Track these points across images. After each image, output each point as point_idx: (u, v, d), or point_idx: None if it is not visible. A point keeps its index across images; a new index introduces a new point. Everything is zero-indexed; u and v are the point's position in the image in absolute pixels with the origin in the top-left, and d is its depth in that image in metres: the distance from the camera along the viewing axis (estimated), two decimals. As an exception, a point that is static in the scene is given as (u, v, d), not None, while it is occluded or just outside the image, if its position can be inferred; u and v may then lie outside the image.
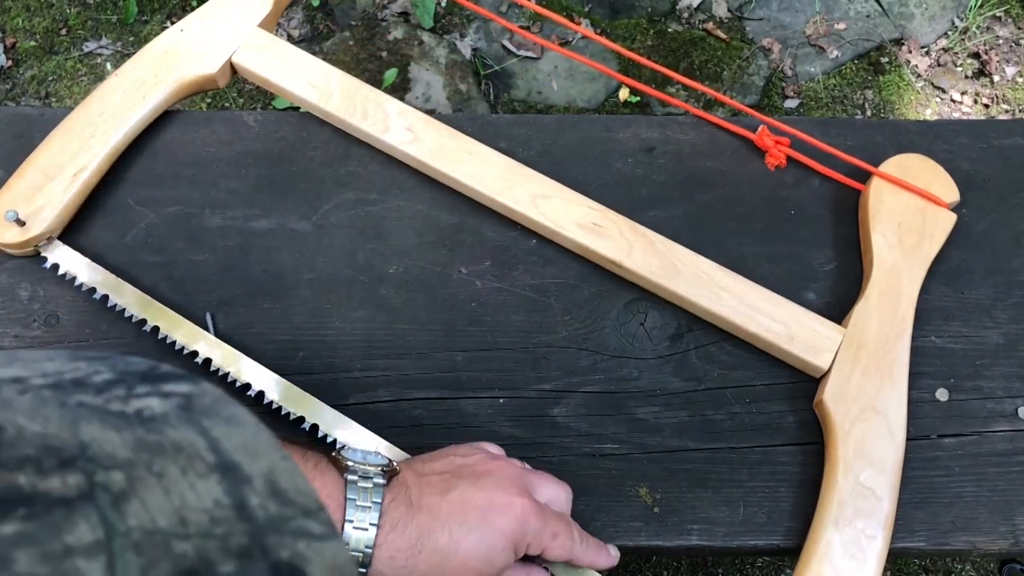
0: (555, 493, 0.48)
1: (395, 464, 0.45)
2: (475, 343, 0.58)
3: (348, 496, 0.41)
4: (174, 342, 0.56)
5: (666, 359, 0.58)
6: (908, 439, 0.55)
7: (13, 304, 0.58)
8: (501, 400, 0.57)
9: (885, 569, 0.50)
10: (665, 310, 0.59)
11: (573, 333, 0.59)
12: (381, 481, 0.43)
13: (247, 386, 0.54)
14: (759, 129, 0.65)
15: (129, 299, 0.57)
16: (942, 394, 0.57)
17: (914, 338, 0.57)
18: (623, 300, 0.60)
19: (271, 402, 0.54)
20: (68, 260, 0.58)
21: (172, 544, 0.16)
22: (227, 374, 0.55)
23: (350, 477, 0.42)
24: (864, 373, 0.55)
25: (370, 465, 0.43)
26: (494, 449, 0.50)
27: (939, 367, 0.58)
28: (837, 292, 0.60)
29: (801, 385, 0.57)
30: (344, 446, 0.50)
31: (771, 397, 0.57)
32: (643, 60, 0.68)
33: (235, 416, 0.20)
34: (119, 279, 0.58)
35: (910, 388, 0.56)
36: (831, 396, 0.54)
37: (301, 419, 0.54)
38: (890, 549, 0.54)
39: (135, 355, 0.22)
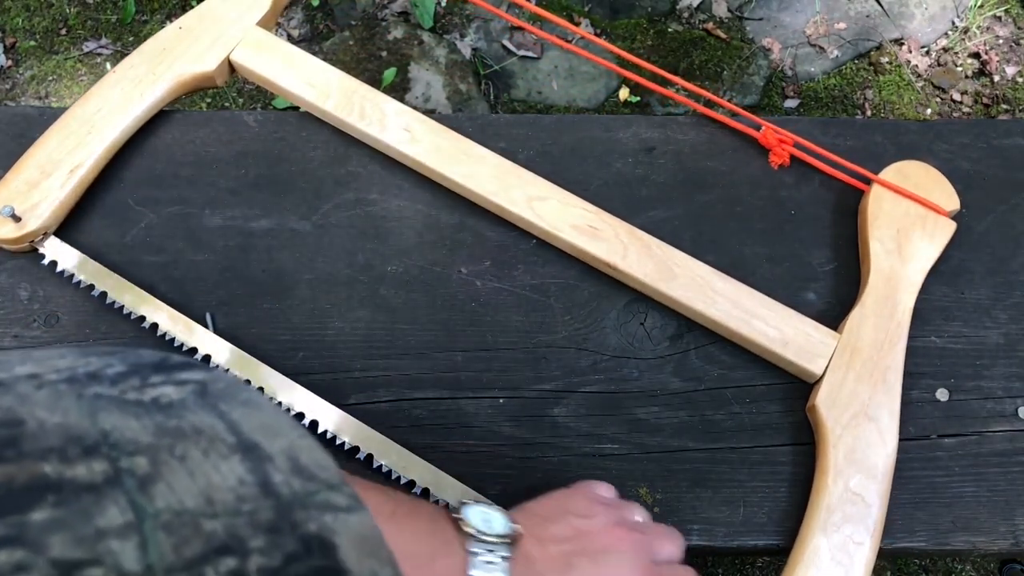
0: (673, 549, 0.47)
1: (516, 529, 0.42)
2: (475, 343, 0.58)
3: (470, 574, 0.39)
4: (173, 339, 0.56)
5: (666, 359, 0.58)
6: (908, 439, 0.55)
7: (13, 304, 0.58)
8: (501, 400, 0.57)
9: (885, 569, 0.50)
10: (665, 310, 0.59)
11: (573, 333, 0.59)
12: (506, 554, 0.41)
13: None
14: (763, 128, 0.65)
15: (127, 295, 0.57)
16: (942, 394, 0.57)
17: (914, 338, 0.57)
18: (623, 300, 0.60)
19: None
20: (65, 256, 0.58)
21: (201, 523, 0.16)
22: (227, 369, 0.55)
23: (473, 549, 0.40)
24: (857, 379, 0.55)
25: (494, 536, 0.41)
26: (605, 491, 0.49)
27: (939, 367, 0.58)
28: (837, 293, 0.60)
29: (800, 386, 0.57)
30: (460, 503, 0.44)
31: (771, 397, 0.57)
32: (641, 62, 0.68)
33: (251, 399, 0.21)
34: (115, 273, 0.57)
35: (910, 388, 0.56)
36: (823, 401, 0.54)
37: (301, 415, 0.54)
38: (890, 549, 0.54)
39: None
